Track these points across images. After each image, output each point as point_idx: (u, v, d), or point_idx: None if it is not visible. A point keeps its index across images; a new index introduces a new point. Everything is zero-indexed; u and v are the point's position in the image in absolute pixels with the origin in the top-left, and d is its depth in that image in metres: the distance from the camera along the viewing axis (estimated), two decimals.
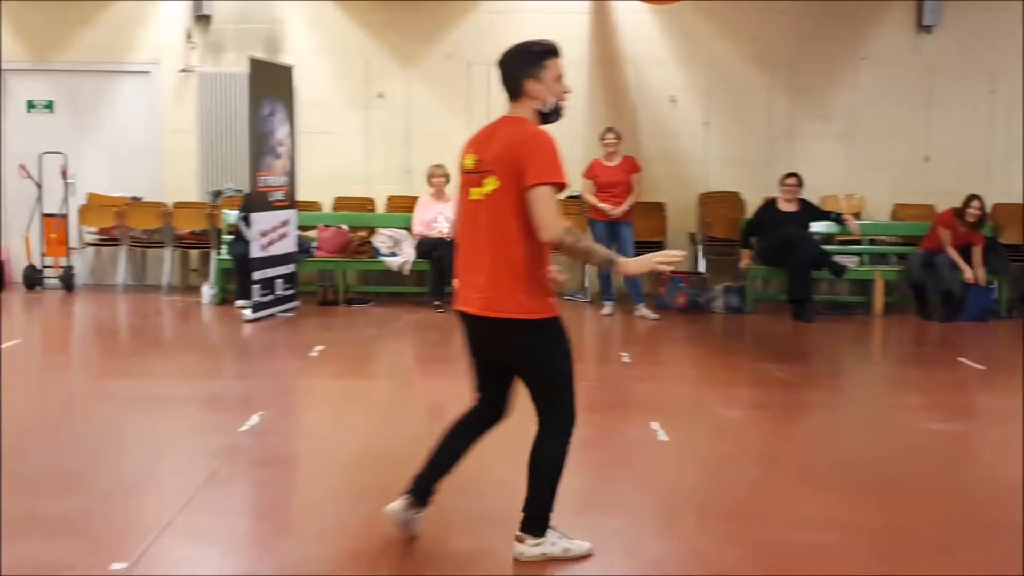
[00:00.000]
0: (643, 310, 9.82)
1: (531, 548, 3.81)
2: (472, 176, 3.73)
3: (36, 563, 3.77)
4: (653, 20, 11.30)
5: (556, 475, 3.78)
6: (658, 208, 11.23)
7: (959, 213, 9.97)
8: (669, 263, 3.63)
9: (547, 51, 3.73)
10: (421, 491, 3.91)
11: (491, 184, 3.63)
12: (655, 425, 5.75)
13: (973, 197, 9.91)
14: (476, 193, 3.70)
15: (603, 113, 11.24)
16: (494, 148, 3.66)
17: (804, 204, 10.30)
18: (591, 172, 9.99)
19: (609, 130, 10.08)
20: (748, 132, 11.52)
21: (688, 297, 10.34)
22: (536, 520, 3.82)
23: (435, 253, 10.11)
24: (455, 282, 3.86)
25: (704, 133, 11.53)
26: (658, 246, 11.04)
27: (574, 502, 4.26)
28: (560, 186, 3.57)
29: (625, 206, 9.81)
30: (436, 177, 10.48)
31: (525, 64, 3.71)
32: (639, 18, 11.25)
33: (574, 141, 11.31)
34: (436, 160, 10.67)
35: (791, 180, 10.23)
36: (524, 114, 3.73)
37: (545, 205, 3.53)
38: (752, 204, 11.04)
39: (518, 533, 3.83)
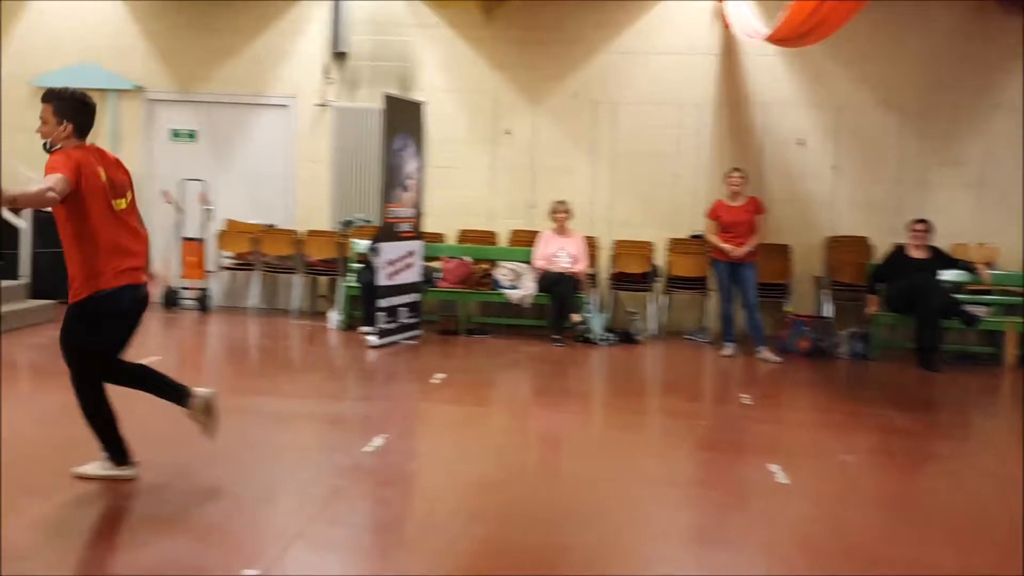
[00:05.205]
0: (765, 353, 9.71)
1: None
2: None
3: (173, 564, 4.00)
4: (782, 62, 11.28)
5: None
6: (783, 250, 11.14)
7: None
8: None
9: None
10: None
11: None
12: (773, 467, 5.70)
13: None
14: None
15: (729, 154, 11.25)
16: None
17: (934, 251, 10.01)
18: (714, 212, 9.96)
19: (736, 169, 10.07)
20: (877, 177, 11.36)
21: (812, 342, 10.19)
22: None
23: (556, 288, 10.25)
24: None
25: (832, 176, 11.42)
26: (782, 289, 10.96)
27: (686, 536, 4.29)
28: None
29: (748, 247, 9.73)
30: (558, 213, 10.64)
31: None
32: (769, 60, 11.24)
33: (698, 182, 11.38)
34: (559, 196, 10.87)
35: (920, 226, 9.98)
36: None
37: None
38: (880, 249, 10.85)
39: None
